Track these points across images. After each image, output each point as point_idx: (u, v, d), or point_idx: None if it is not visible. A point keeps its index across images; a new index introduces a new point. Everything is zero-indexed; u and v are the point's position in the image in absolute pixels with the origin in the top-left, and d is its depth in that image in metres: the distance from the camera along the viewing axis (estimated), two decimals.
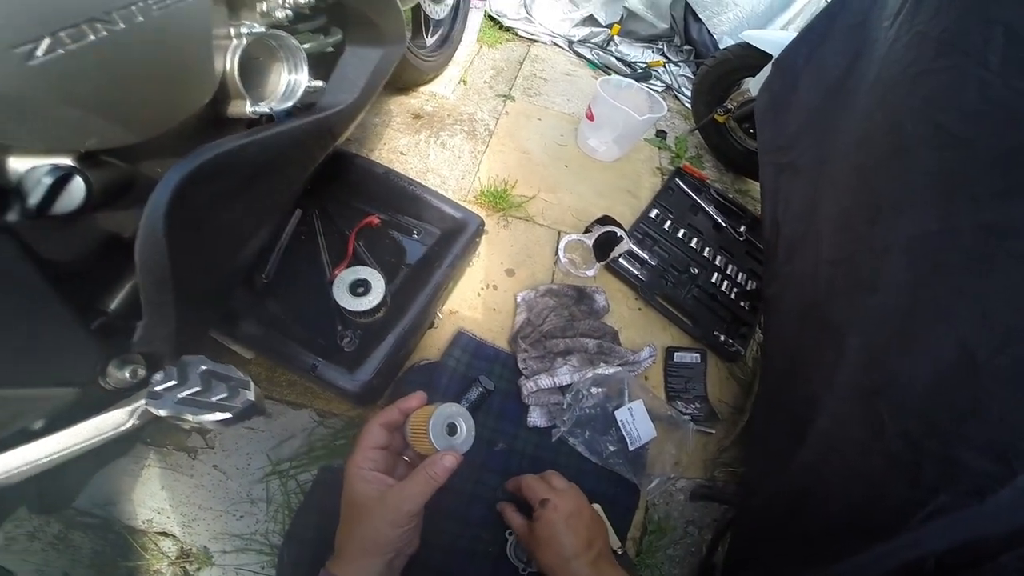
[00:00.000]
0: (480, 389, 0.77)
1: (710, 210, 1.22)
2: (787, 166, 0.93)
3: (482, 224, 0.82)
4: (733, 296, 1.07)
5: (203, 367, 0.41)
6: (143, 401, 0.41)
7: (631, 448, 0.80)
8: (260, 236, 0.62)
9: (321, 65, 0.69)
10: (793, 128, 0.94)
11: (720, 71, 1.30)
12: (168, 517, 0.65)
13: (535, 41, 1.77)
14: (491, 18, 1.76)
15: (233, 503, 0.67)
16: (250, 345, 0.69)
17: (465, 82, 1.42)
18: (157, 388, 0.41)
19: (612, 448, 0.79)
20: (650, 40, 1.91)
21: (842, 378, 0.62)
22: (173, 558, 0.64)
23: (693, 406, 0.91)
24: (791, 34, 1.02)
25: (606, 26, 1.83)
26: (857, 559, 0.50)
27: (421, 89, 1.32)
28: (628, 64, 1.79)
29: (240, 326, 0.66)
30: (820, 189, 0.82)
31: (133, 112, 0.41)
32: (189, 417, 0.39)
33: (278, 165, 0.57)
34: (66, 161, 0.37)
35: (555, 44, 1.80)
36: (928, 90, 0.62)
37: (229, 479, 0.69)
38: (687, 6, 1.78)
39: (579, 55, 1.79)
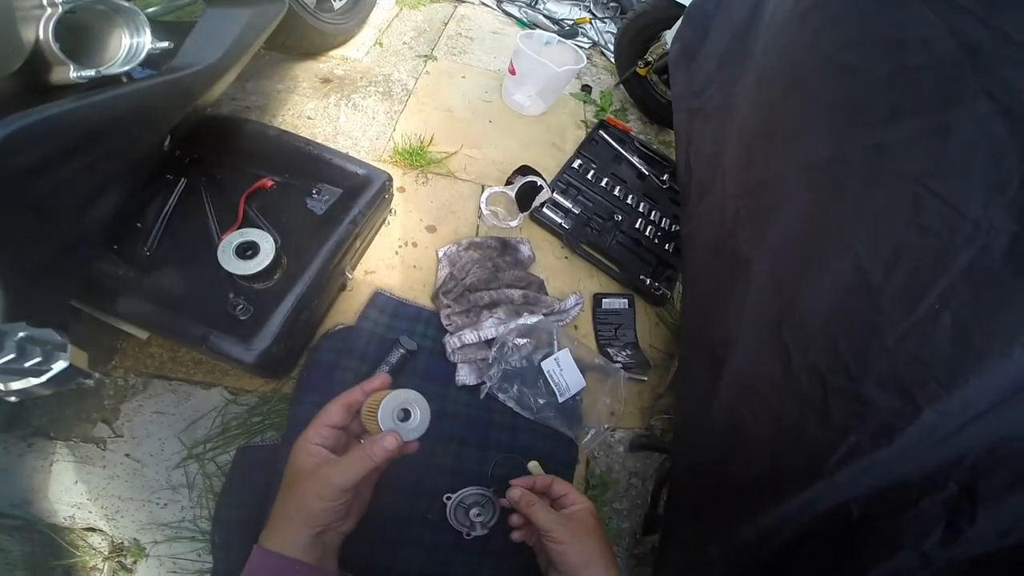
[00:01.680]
0: (401, 351, 0.75)
1: (634, 160, 1.23)
2: (698, 111, 0.94)
3: (389, 179, 0.78)
4: (657, 240, 1.08)
5: (21, 333, 0.38)
6: None
7: (560, 400, 0.79)
8: (109, 200, 0.59)
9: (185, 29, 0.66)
10: (703, 74, 0.95)
11: (639, 24, 1.29)
12: (89, 512, 0.62)
13: (462, 1, 1.70)
14: None
15: (153, 492, 0.64)
16: (135, 321, 0.65)
17: (381, 44, 1.35)
18: None
19: (542, 401, 0.78)
20: None
21: (751, 308, 0.62)
22: (106, 553, 0.61)
23: (624, 353, 0.91)
24: None
25: None
26: (781, 508, 0.49)
27: (331, 54, 1.24)
28: (556, 21, 1.75)
29: (121, 303, 0.61)
30: (726, 130, 0.83)
31: None
32: (1, 386, 0.36)
33: (122, 127, 0.54)
34: None
35: (483, 3, 1.74)
36: (816, 24, 0.64)
37: (144, 467, 0.66)
38: None
39: (507, 13, 1.74)
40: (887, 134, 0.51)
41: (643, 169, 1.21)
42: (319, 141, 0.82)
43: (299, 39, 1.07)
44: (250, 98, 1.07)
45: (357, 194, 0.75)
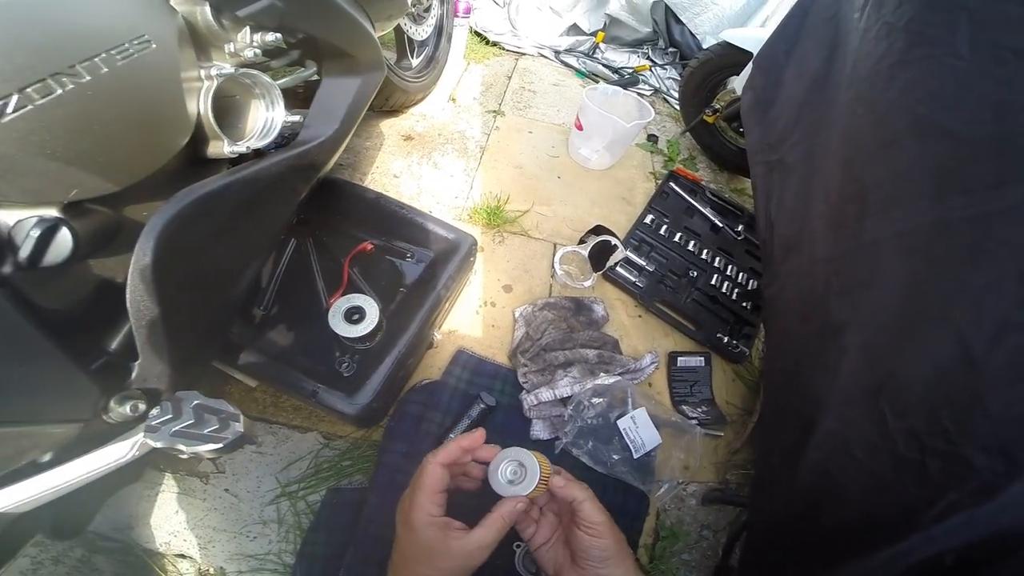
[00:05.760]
0: (482, 405, 0.77)
1: (706, 211, 1.21)
2: (777, 164, 0.92)
3: (475, 244, 0.83)
4: (734, 297, 1.06)
5: (196, 401, 0.43)
6: (142, 434, 0.43)
7: (635, 456, 0.80)
8: (251, 271, 0.63)
9: (299, 98, 0.71)
10: (780, 125, 0.93)
11: (704, 72, 1.30)
12: (184, 540, 0.67)
13: (522, 54, 1.79)
14: (477, 34, 1.77)
15: (246, 525, 0.69)
16: (253, 374, 0.71)
17: (454, 100, 1.44)
18: (154, 422, 0.42)
19: (616, 457, 0.79)
20: (635, 45, 1.92)
21: (844, 377, 0.61)
22: None
23: (700, 410, 0.90)
24: (770, 31, 1.02)
25: (591, 34, 1.84)
26: (872, 559, 0.48)
27: (411, 110, 1.34)
28: (615, 70, 1.79)
29: (241, 357, 0.68)
30: (811, 186, 0.81)
31: (110, 161, 0.42)
32: (183, 448, 0.41)
33: (262, 201, 0.58)
34: (52, 212, 0.39)
35: (542, 55, 1.81)
36: (905, 82, 0.62)
37: (241, 502, 0.70)
38: (667, 8, 1.79)
39: (566, 64, 1.80)
40: (992, 203, 0.49)
41: (716, 221, 1.20)
42: (406, 200, 0.89)
43: (386, 98, 1.17)
44: (343, 156, 1.17)
45: (447, 258, 0.80)
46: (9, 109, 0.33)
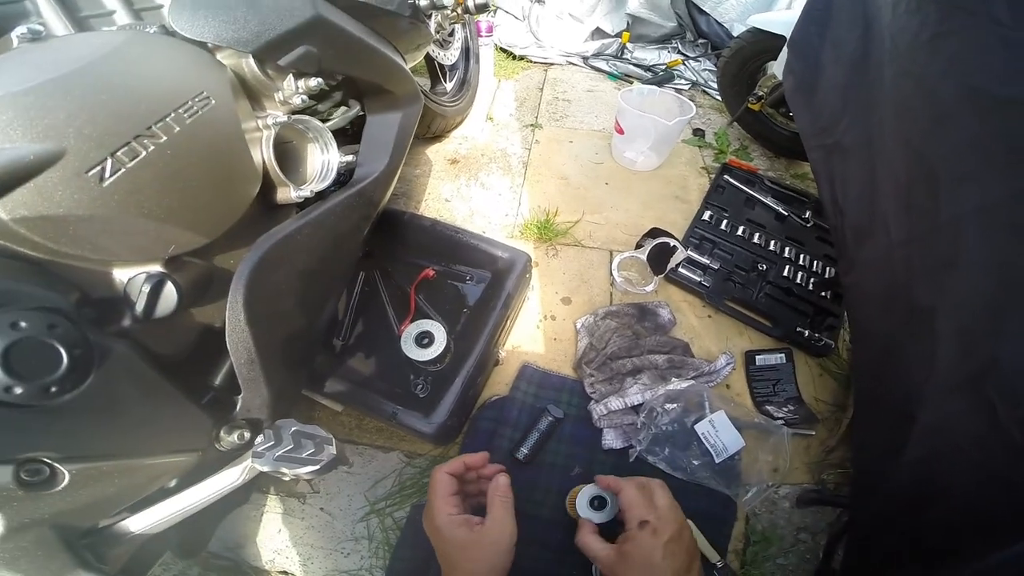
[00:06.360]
0: (550, 418, 0.78)
1: (768, 201, 1.15)
2: (834, 148, 0.88)
3: (529, 260, 0.84)
4: (811, 287, 0.99)
5: (293, 428, 0.47)
6: (250, 460, 0.47)
7: (717, 461, 0.77)
8: (329, 305, 0.67)
9: (347, 136, 0.74)
10: (828, 108, 0.89)
11: (739, 60, 1.26)
12: (287, 557, 0.72)
13: (550, 64, 1.80)
14: (503, 51, 1.80)
15: (340, 542, 0.73)
16: (338, 400, 0.76)
17: (492, 119, 1.47)
18: (259, 448, 0.46)
19: (696, 462, 0.77)
20: (663, 40, 1.87)
21: (941, 366, 0.57)
22: None
23: (786, 409, 0.85)
24: (797, 12, 0.98)
25: (615, 35, 1.82)
26: (987, 560, 0.45)
27: (452, 134, 1.38)
28: (647, 69, 1.76)
29: (326, 385, 0.72)
30: (874, 168, 0.76)
31: (198, 215, 0.46)
32: (285, 471, 0.45)
33: (330, 239, 0.61)
34: (156, 268, 0.44)
35: (570, 63, 1.82)
36: (949, 54, 0.59)
37: (335, 520, 0.74)
38: (688, 1, 1.75)
39: (596, 69, 1.79)
40: None
41: (780, 209, 1.14)
42: (459, 223, 0.92)
43: (427, 125, 1.21)
44: (397, 186, 1.23)
45: (504, 276, 0.81)
46: (107, 173, 0.37)
